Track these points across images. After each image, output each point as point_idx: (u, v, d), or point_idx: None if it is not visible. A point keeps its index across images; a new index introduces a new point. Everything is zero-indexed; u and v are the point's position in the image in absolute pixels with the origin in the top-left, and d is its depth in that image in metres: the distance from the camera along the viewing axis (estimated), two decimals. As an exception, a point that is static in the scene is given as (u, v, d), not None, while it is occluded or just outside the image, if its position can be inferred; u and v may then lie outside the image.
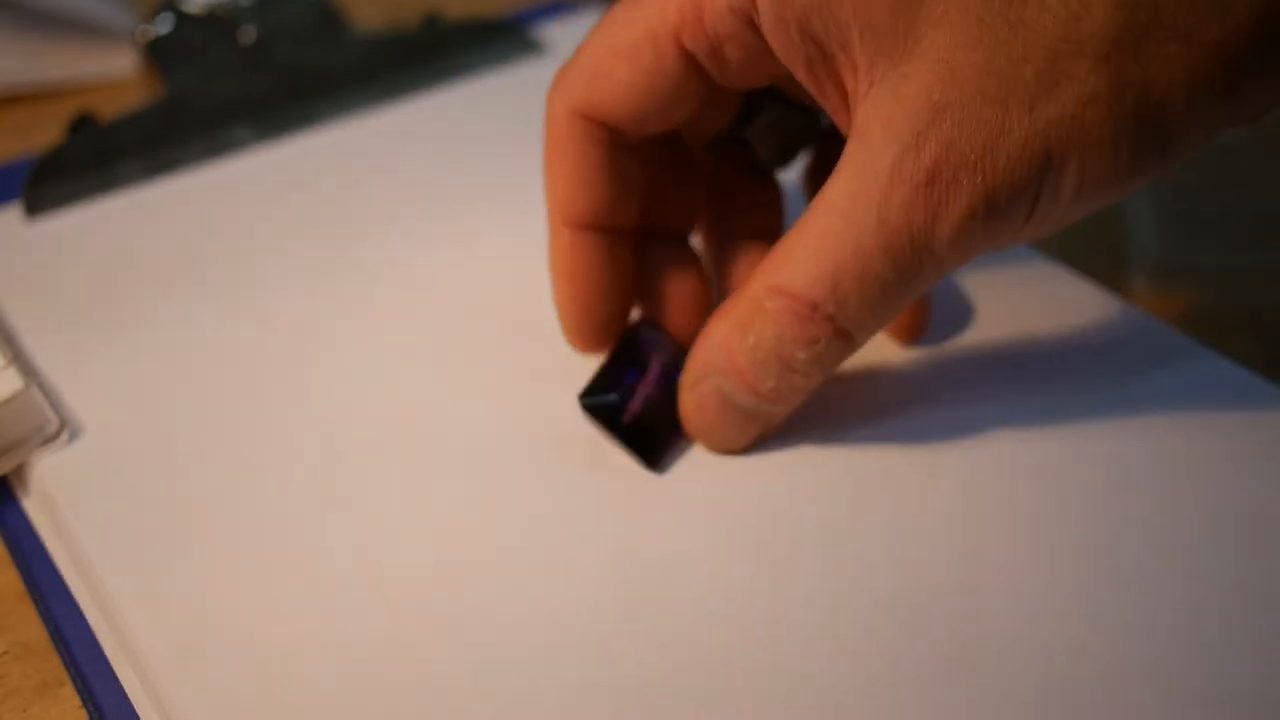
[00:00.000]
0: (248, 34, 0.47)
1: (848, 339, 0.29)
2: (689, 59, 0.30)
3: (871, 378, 0.33)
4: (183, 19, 0.47)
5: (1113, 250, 0.40)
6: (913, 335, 0.34)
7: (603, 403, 0.31)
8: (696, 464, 0.31)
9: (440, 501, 0.31)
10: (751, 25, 0.28)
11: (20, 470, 0.33)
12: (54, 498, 0.32)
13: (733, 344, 0.29)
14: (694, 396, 0.30)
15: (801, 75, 0.28)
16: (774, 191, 0.35)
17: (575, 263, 0.32)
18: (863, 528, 0.30)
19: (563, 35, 0.49)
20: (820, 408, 0.32)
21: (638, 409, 0.31)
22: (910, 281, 0.27)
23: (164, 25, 0.47)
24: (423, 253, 0.39)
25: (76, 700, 0.29)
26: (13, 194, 0.42)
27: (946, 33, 0.26)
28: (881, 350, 0.34)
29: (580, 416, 0.32)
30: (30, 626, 0.31)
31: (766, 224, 0.34)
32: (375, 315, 0.36)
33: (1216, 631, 0.27)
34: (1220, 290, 0.39)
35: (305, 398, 0.34)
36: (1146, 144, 0.26)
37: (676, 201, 0.34)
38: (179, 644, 0.28)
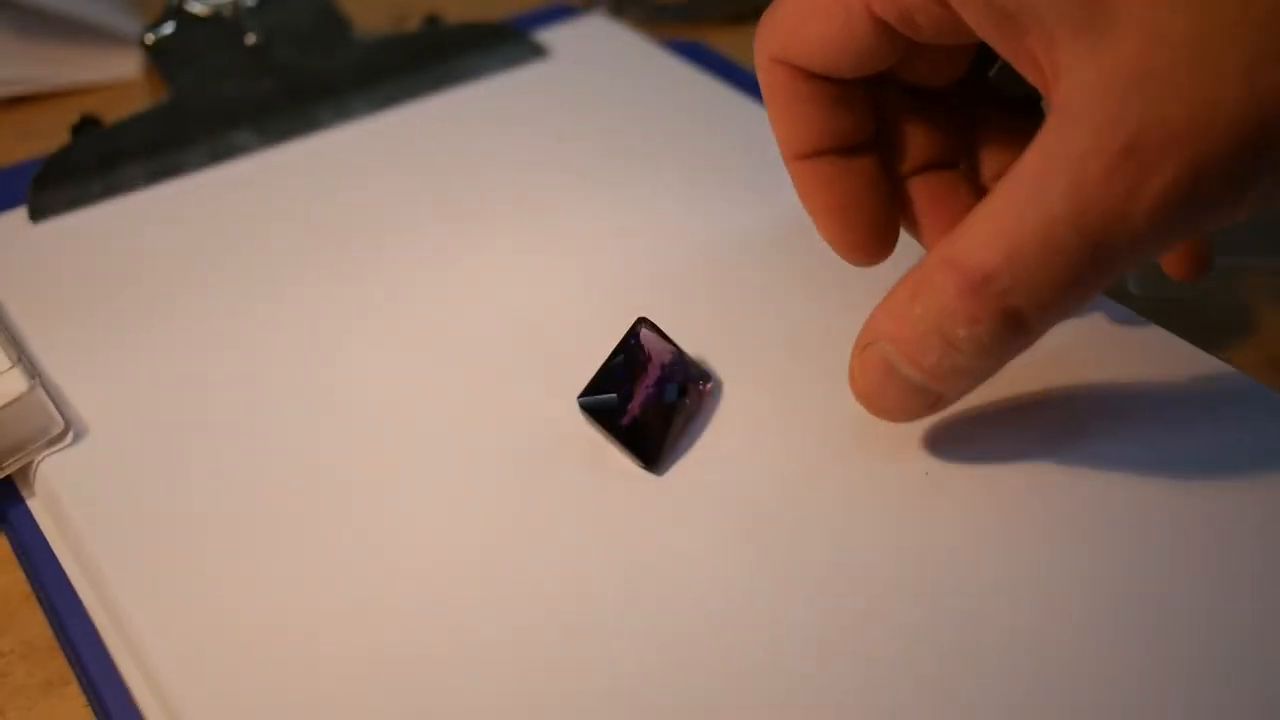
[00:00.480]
0: (251, 37, 0.47)
1: (1016, 324, 0.27)
2: (880, 23, 0.29)
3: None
4: (186, 22, 0.47)
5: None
6: (1194, 273, 0.32)
7: (601, 403, 0.32)
8: (696, 464, 0.31)
9: (440, 501, 0.31)
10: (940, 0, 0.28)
11: (25, 471, 0.33)
12: (59, 498, 0.32)
13: (902, 311, 0.28)
14: (862, 359, 0.29)
15: (997, 47, 0.27)
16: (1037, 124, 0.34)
17: (813, 187, 0.32)
18: (863, 529, 0.30)
19: (565, 39, 0.49)
20: (819, 406, 0.32)
21: (637, 410, 0.32)
22: (1098, 258, 0.25)
23: (167, 28, 0.47)
24: (425, 255, 0.39)
25: (81, 699, 0.29)
26: (17, 197, 0.42)
27: None
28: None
29: (580, 417, 0.32)
30: (35, 626, 0.31)
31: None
32: (378, 317, 0.37)
33: (1215, 631, 0.27)
34: (1217, 292, 0.39)
35: (308, 399, 0.34)
36: None
37: (935, 134, 0.33)
38: (183, 643, 0.28)
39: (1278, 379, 0.33)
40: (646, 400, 0.32)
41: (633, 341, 0.33)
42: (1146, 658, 0.27)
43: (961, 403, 0.32)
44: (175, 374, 0.35)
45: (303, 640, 0.28)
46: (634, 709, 0.26)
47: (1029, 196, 0.25)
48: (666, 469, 0.31)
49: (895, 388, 0.29)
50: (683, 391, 0.32)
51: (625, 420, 0.31)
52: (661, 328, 0.33)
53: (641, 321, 0.33)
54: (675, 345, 0.33)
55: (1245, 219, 0.26)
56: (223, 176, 0.43)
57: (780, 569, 0.29)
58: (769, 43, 0.31)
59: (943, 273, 0.27)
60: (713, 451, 0.32)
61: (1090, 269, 0.26)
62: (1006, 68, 0.30)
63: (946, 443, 0.31)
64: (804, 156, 0.32)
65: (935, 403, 0.29)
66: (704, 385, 0.33)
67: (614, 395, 0.32)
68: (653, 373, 0.32)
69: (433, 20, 0.50)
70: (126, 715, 0.28)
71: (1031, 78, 0.27)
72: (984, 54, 0.33)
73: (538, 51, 0.48)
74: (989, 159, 0.34)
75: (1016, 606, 0.28)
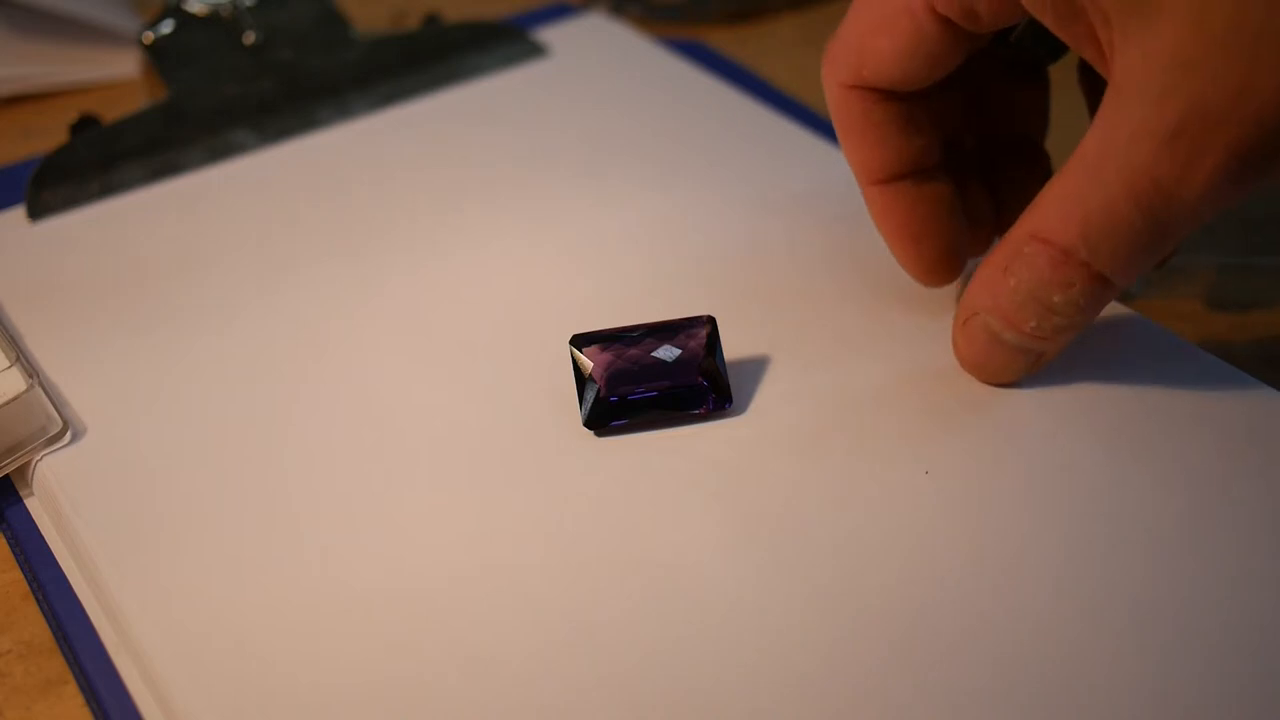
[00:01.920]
0: (250, 36, 0.47)
1: (1104, 283, 0.29)
2: (944, 22, 0.30)
3: (864, 375, 0.33)
4: (185, 21, 0.47)
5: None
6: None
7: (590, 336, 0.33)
8: (696, 464, 0.31)
9: (440, 500, 0.31)
10: None
11: (24, 470, 0.33)
12: (57, 498, 0.32)
13: (996, 285, 0.30)
14: (965, 332, 0.32)
15: (1054, 27, 0.29)
16: (1041, 94, 0.35)
17: (889, 212, 0.33)
18: (863, 529, 0.30)
19: (564, 38, 0.49)
20: (820, 405, 0.32)
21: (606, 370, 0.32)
22: (1162, 230, 0.28)
23: (166, 27, 0.47)
24: (425, 255, 0.39)
25: (80, 699, 0.29)
26: (15, 196, 0.42)
27: None
28: (875, 351, 0.34)
29: (579, 418, 0.32)
30: (34, 625, 0.31)
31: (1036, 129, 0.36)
32: (377, 317, 0.37)
33: (1212, 630, 0.27)
34: (1214, 291, 0.39)
35: (306, 398, 0.34)
36: None
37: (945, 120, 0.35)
38: (181, 642, 0.28)
39: (1278, 378, 0.33)
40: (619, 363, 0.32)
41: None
42: (1149, 656, 0.27)
43: (961, 403, 0.32)
44: (173, 373, 0.35)
45: (301, 639, 0.28)
46: (633, 708, 0.26)
47: (1090, 176, 0.28)
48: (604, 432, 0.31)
49: (1001, 353, 0.32)
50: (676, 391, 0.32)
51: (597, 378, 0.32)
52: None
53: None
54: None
55: None
56: (221, 176, 0.43)
57: (780, 569, 0.29)
58: (840, 70, 0.32)
59: (1032, 246, 0.29)
60: (712, 451, 0.32)
61: (1155, 237, 0.28)
62: (1027, 33, 0.32)
63: (946, 443, 0.31)
64: (880, 182, 0.33)
65: (1039, 359, 0.32)
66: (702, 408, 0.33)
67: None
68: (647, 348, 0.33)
69: (432, 19, 0.50)
70: (125, 715, 0.28)
71: (1090, 57, 0.29)
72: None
73: (537, 50, 0.48)
74: (1005, 136, 0.35)
75: (1017, 606, 0.28)
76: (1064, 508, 0.30)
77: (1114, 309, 0.35)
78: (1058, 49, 0.33)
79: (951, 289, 0.35)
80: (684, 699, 0.26)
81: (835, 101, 0.33)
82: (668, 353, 0.33)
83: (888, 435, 0.32)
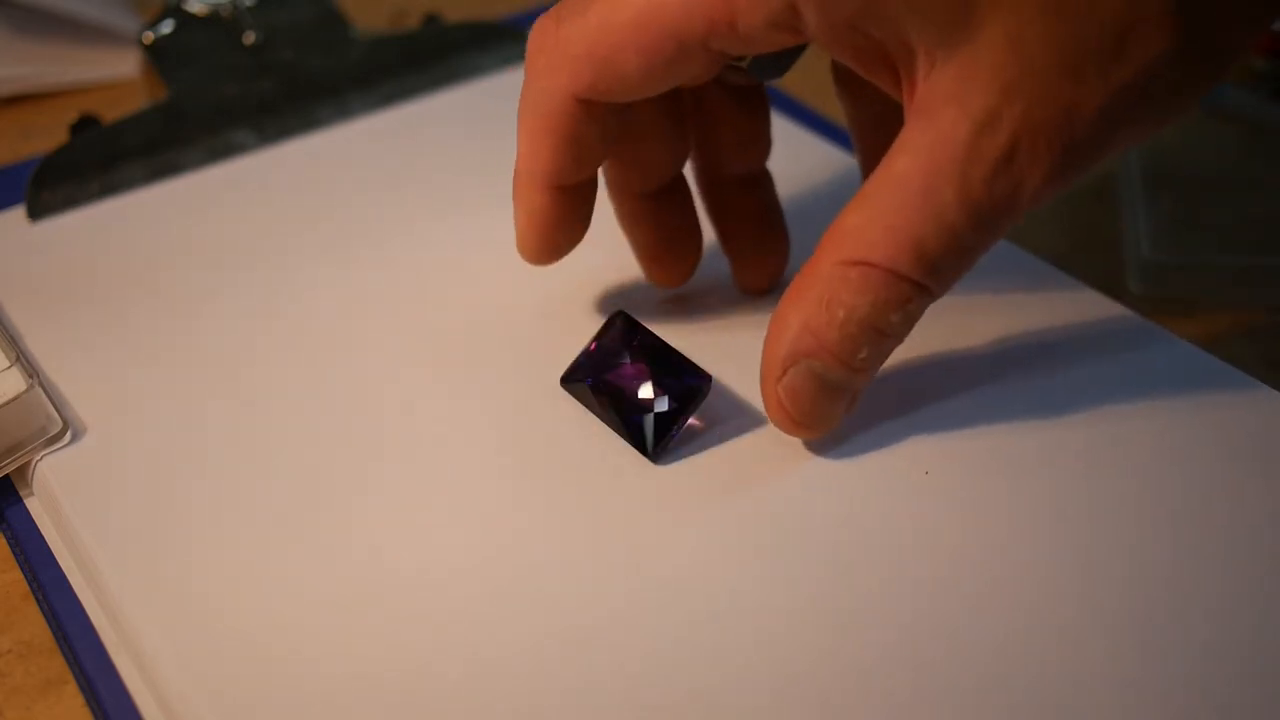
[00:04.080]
0: (250, 36, 0.47)
1: (930, 294, 0.29)
2: (712, 53, 0.29)
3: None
4: (185, 21, 0.47)
5: (1107, 251, 0.40)
6: None
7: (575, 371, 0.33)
8: (696, 463, 0.31)
9: (439, 501, 0.31)
10: (793, 30, 0.28)
11: (24, 470, 0.33)
12: (57, 498, 0.32)
13: (818, 323, 0.29)
14: (783, 388, 0.30)
15: (851, 64, 0.29)
16: (763, 121, 0.35)
17: (544, 214, 0.33)
18: (863, 529, 0.30)
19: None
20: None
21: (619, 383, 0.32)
22: (993, 237, 0.28)
23: (166, 27, 0.47)
24: (425, 255, 0.39)
25: (80, 699, 0.29)
26: (15, 196, 0.42)
27: (1009, 11, 0.26)
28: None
29: (580, 416, 0.32)
30: (34, 625, 0.31)
31: (758, 157, 0.35)
32: (378, 317, 0.37)
33: (1212, 629, 0.27)
34: (1214, 291, 0.39)
35: (307, 398, 0.34)
36: (1212, 80, 0.28)
37: (671, 143, 0.34)
38: (182, 642, 0.28)
39: (1278, 378, 0.33)
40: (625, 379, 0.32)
41: (610, 332, 0.33)
42: (1149, 656, 0.27)
43: (961, 403, 0.32)
44: (173, 373, 0.35)
45: (301, 639, 0.28)
46: (632, 708, 0.26)
47: (921, 204, 0.28)
48: (665, 460, 0.31)
49: (826, 399, 0.30)
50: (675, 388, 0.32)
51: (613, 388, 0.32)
52: (660, 325, 0.33)
53: (620, 315, 0.33)
54: (662, 341, 0.33)
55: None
56: (221, 175, 0.43)
57: (780, 569, 0.29)
58: (573, 79, 0.30)
59: (858, 271, 0.28)
60: (712, 451, 0.32)
61: (987, 245, 0.29)
62: (760, 61, 0.31)
63: (946, 442, 0.31)
64: (552, 188, 0.32)
65: (854, 398, 0.31)
66: (699, 383, 0.33)
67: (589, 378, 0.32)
68: (631, 365, 0.32)
69: (432, 19, 0.50)
70: (124, 715, 0.28)
71: (880, 84, 0.29)
72: None
73: (537, 50, 0.48)
74: (727, 149, 0.35)
75: (1018, 607, 0.28)
76: (1064, 508, 0.30)
77: (1114, 310, 0.35)
78: (785, 64, 0.32)
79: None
80: (684, 699, 0.26)
81: (551, 104, 0.31)
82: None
83: (888, 435, 0.32)
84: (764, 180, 0.36)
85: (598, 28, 0.29)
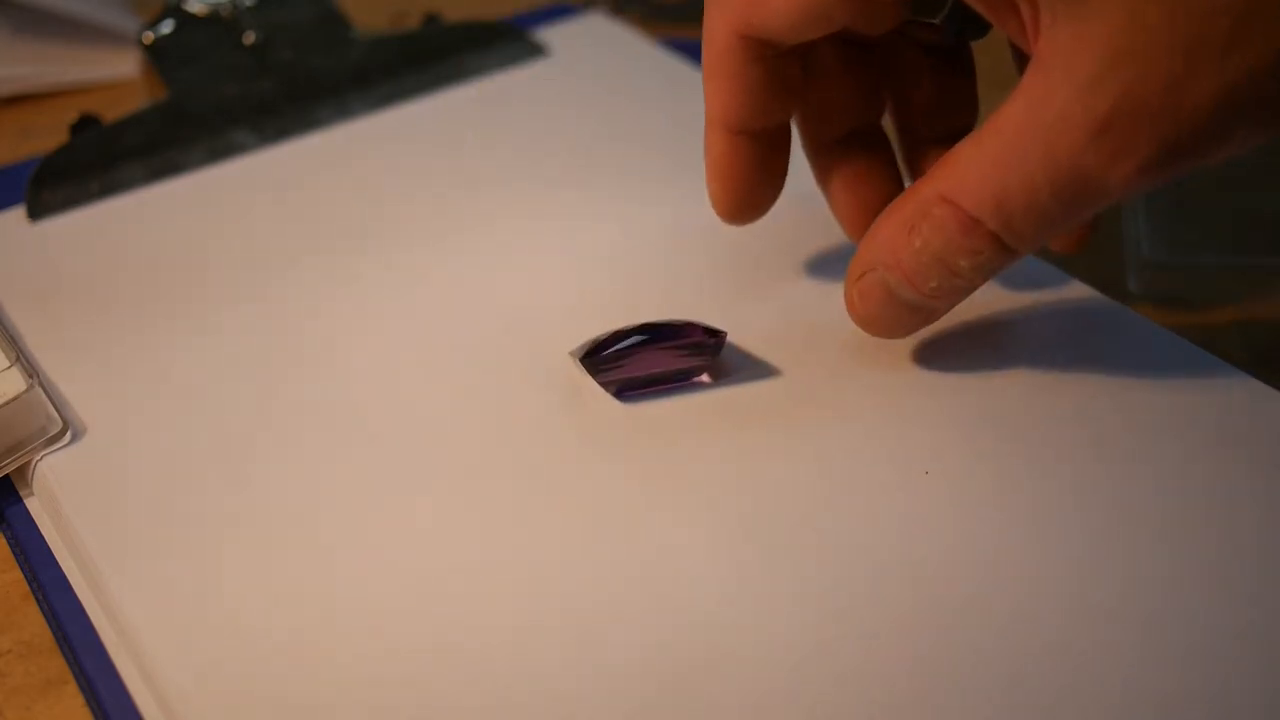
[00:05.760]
0: (250, 36, 0.47)
1: (1010, 253, 0.29)
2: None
3: (866, 375, 0.33)
4: (185, 21, 0.47)
5: (1106, 251, 0.40)
6: (1077, 248, 0.34)
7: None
8: (695, 463, 0.31)
9: (438, 501, 0.31)
10: None
11: (24, 470, 0.33)
12: (57, 498, 0.32)
13: (899, 243, 0.30)
14: (858, 287, 0.31)
15: (979, 6, 0.29)
16: (966, 83, 0.35)
17: (731, 162, 0.33)
18: (863, 528, 0.30)
19: (564, 38, 0.49)
20: (820, 404, 0.32)
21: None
22: (1076, 212, 0.28)
23: (166, 27, 0.47)
24: (425, 255, 0.39)
25: (80, 699, 0.29)
26: (15, 196, 0.42)
27: None
28: (878, 352, 0.34)
29: (581, 416, 0.32)
30: (34, 625, 0.31)
31: (960, 122, 0.35)
32: (378, 315, 0.37)
33: (1211, 628, 0.27)
34: (1213, 291, 0.39)
35: (306, 398, 0.34)
36: None
37: (858, 96, 0.34)
38: (181, 642, 0.28)
39: (1277, 378, 0.33)
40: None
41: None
42: (1147, 653, 0.27)
43: (962, 403, 0.32)
44: (173, 373, 0.35)
45: (301, 638, 0.28)
46: (631, 707, 0.26)
47: (1011, 150, 0.27)
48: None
49: (895, 310, 0.31)
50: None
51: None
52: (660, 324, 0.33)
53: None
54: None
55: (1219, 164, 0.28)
56: (221, 175, 0.43)
57: (780, 569, 0.29)
58: (728, 13, 0.31)
59: (942, 209, 0.29)
60: (712, 450, 0.32)
61: (1068, 218, 0.28)
62: (954, 13, 0.31)
63: (946, 442, 0.31)
64: (735, 131, 0.33)
65: (930, 316, 0.32)
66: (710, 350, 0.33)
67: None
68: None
69: (432, 19, 0.50)
70: (124, 715, 0.28)
71: (1008, 32, 0.29)
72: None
73: (537, 50, 0.48)
74: (922, 111, 0.35)
75: (1019, 606, 0.28)
76: (1063, 507, 0.30)
77: (1113, 308, 0.35)
78: (980, 28, 0.32)
79: None
80: (684, 699, 0.26)
81: (715, 44, 0.32)
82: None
83: (888, 435, 0.32)
84: None
85: None
